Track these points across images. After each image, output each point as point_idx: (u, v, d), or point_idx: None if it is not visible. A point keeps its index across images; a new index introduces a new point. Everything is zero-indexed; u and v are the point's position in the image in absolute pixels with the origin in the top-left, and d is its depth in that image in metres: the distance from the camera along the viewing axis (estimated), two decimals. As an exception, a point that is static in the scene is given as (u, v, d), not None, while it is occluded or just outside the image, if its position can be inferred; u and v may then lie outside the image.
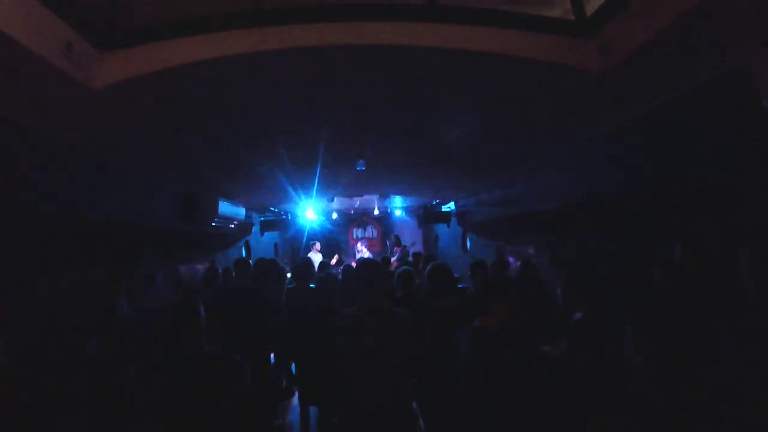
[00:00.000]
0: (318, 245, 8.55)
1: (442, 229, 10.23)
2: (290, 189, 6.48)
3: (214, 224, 5.80)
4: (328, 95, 2.76)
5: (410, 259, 7.83)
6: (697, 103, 2.48)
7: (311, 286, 4.22)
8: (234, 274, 5.50)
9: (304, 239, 9.92)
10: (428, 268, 3.32)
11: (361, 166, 4.16)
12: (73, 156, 3.18)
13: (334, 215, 10.28)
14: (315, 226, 10.55)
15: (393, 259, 8.67)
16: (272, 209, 8.95)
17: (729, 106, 2.30)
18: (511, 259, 6.19)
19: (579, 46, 2.32)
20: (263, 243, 9.22)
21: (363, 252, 9.77)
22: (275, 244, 9.94)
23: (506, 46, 2.28)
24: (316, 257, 8.10)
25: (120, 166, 3.83)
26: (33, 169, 2.80)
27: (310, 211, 8.55)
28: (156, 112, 2.83)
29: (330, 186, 6.54)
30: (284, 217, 9.40)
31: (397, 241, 10.08)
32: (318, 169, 4.97)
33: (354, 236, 11.93)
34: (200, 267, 6.09)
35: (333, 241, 11.19)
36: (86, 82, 2.19)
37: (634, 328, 1.95)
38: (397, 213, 10.71)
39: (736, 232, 2.52)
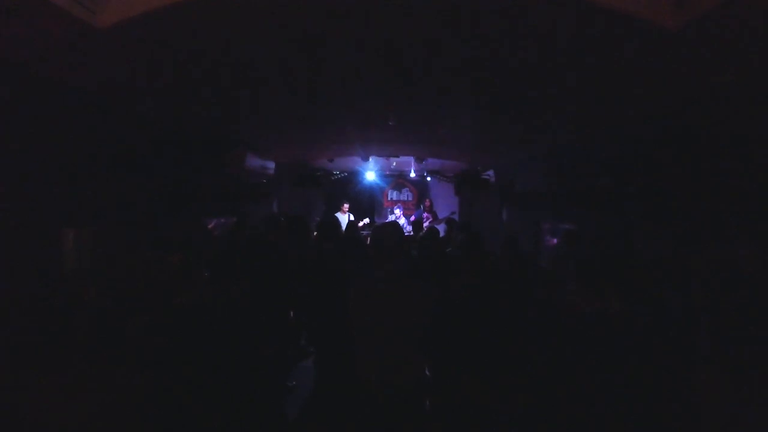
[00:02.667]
0: (346, 205, 8.34)
1: (480, 197, 9.79)
2: (320, 143, 6.24)
3: (241, 177, 5.75)
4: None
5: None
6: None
7: (334, 247, 4.11)
8: (261, 229, 5.53)
9: (335, 198, 9.79)
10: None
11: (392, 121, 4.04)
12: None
13: (369, 175, 9.99)
14: (348, 184, 10.39)
15: (425, 224, 8.43)
16: (305, 166, 8.85)
17: None
18: (547, 237, 5.82)
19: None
20: (297, 200, 9.20)
21: (399, 216, 9.57)
22: (308, 202, 9.91)
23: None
24: (344, 218, 7.95)
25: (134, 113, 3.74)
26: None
27: (342, 169, 8.33)
28: (167, 53, 2.65)
29: (364, 142, 6.30)
30: (318, 174, 9.28)
31: (428, 208, 9.73)
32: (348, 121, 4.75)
33: (389, 198, 11.70)
34: (229, 221, 6.13)
35: (366, 201, 11.01)
36: (90, 21, 2.03)
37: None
38: (429, 177, 10.30)
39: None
